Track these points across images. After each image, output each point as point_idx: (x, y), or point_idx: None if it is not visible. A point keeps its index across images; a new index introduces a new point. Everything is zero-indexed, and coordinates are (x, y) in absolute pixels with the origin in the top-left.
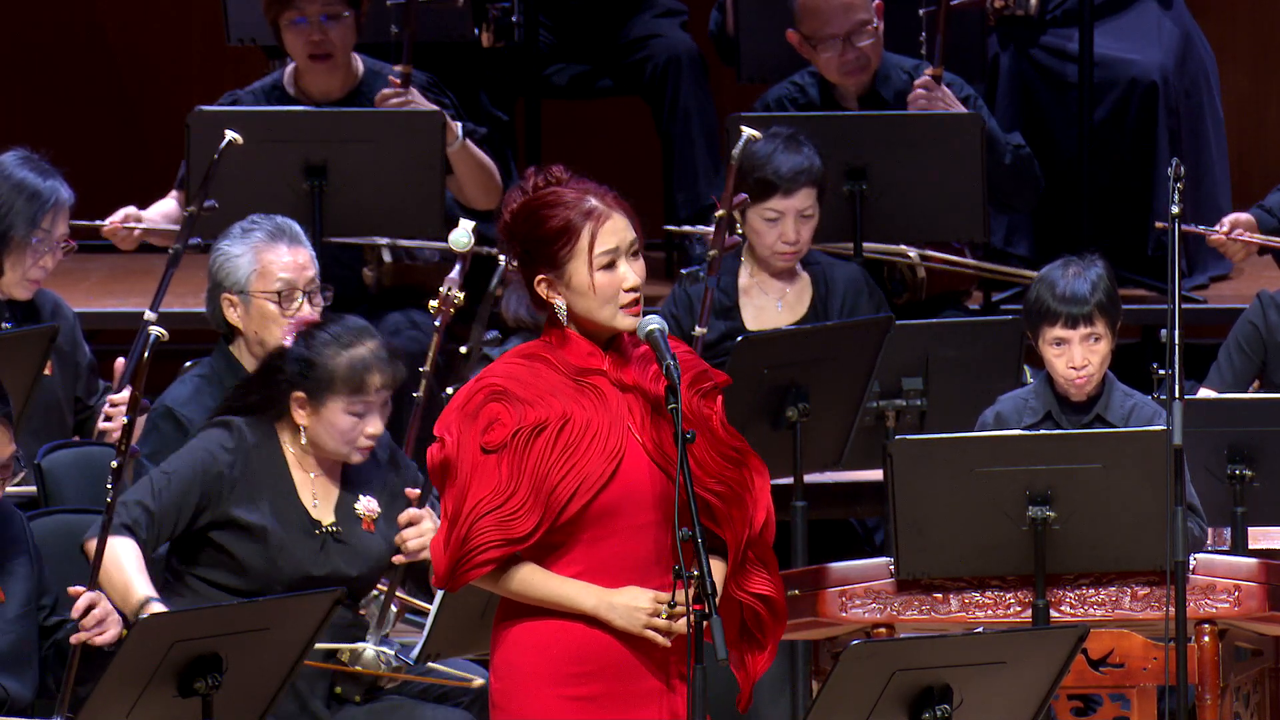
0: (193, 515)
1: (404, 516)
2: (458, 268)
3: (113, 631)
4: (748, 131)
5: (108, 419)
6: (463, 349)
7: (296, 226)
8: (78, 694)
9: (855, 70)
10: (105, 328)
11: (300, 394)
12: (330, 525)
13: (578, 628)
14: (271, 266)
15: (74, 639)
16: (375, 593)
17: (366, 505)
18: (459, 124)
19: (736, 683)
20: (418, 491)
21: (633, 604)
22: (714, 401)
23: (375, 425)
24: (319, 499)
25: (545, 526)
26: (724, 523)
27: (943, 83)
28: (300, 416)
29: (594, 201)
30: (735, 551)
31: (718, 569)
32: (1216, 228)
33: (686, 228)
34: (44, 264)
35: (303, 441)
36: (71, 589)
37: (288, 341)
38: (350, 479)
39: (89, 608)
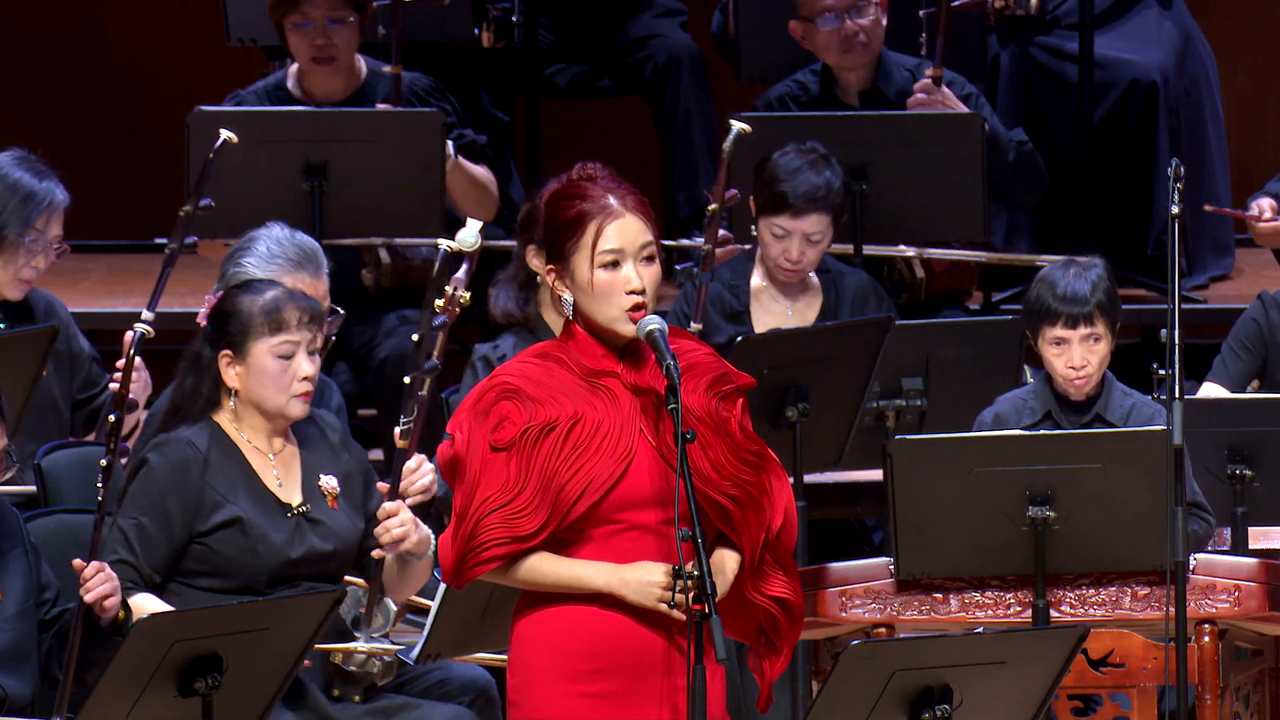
0: (173, 544)
1: (382, 510)
2: (464, 267)
3: (113, 601)
4: (737, 125)
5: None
6: (414, 336)
7: (319, 252)
8: (79, 687)
9: (855, 47)
10: (104, 328)
11: (226, 352)
12: (300, 506)
13: (591, 622)
14: None
15: (87, 598)
16: (357, 591)
17: (329, 483)
18: (450, 143)
19: (741, 684)
20: (387, 486)
21: (646, 578)
22: (734, 404)
23: (305, 368)
24: (283, 480)
25: (553, 526)
26: (739, 526)
27: (943, 83)
28: (231, 378)
29: (611, 200)
30: (751, 555)
31: (732, 560)
32: (1252, 210)
33: (684, 240)
34: (36, 264)
35: (238, 409)
36: (76, 562)
37: (201, 320)
38: (308, 458)
39: (95, 573)
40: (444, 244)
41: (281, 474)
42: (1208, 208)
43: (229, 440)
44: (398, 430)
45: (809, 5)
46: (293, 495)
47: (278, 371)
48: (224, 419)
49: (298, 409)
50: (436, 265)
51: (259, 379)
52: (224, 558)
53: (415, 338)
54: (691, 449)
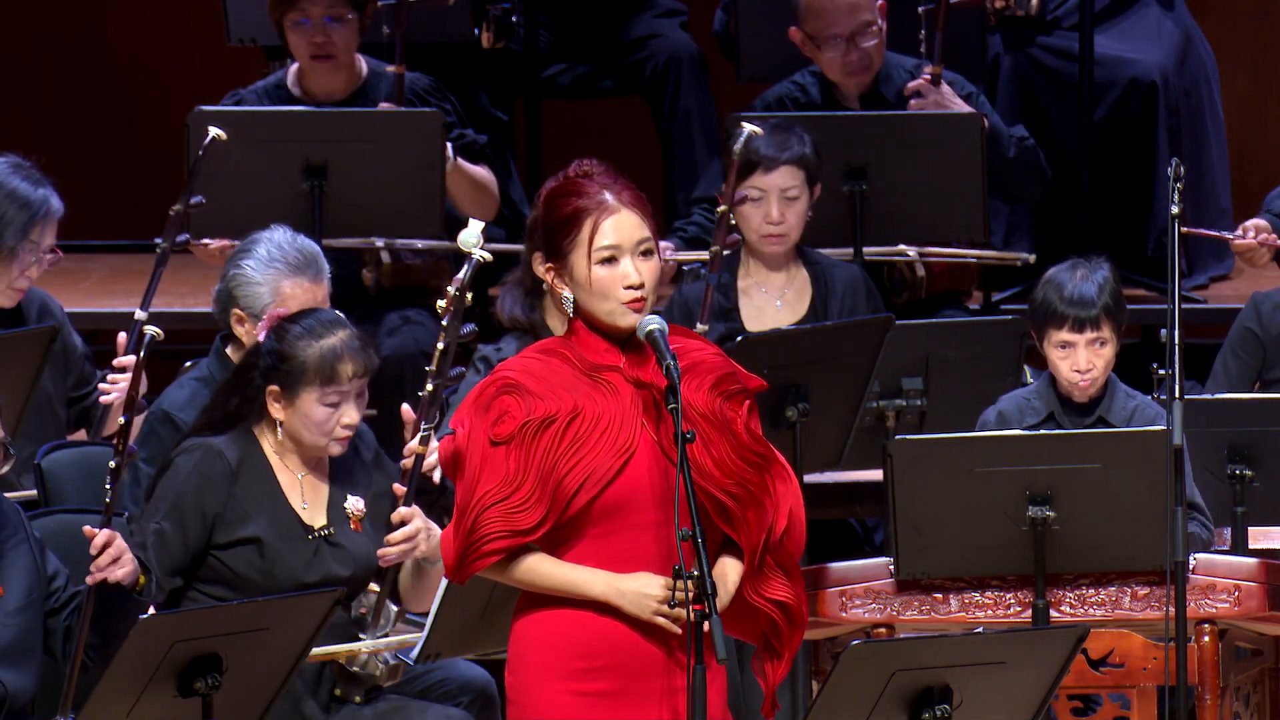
0: (190, 550)
1: (396, 516)
2: (465, 267)
3: (127, 569)
4: (749, 127)
5: (110, 382)
6: (439, 344)
7: (320, 256)
8: (101, 662)
9: (858, 70)
10: (103, 328)
11: (275, 388)
12: (322, 529)
13: (588, 621)
14: (290, 302)
15: (89, 580)
16: (369, 593)
17: (354, 505)
18: (450, 144)
19: (741, 683)
20: (404, 489)
21: (643, 590)
22: (739, 404)
23: (351, 415)
24: (308, 501)
25: (552, 519)
26: (738, 524)
27: (942, 81)
28: (276, 411)
29: (606, 196)
30: (751, 555)
31: (734, 571)
32: (1238, 233)
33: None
34: (29, 273)
35: (280, 437)
36: (87, 529)
37: (261, 337)
38: (338, 478)
39: (105, 544)
40: (477, 254)
41: (308, 494)
42: (1183, 230)
43: (261, 454)
44: (416, 440)
45: (814, 27)
46: (316, 517)
47: (323, 419)
48: (261, 431)
49: (335, 449)
50: (468, 273)
51: (303, 421)
52: (238, 575)
53: (440, 346)
54: (693, 446)
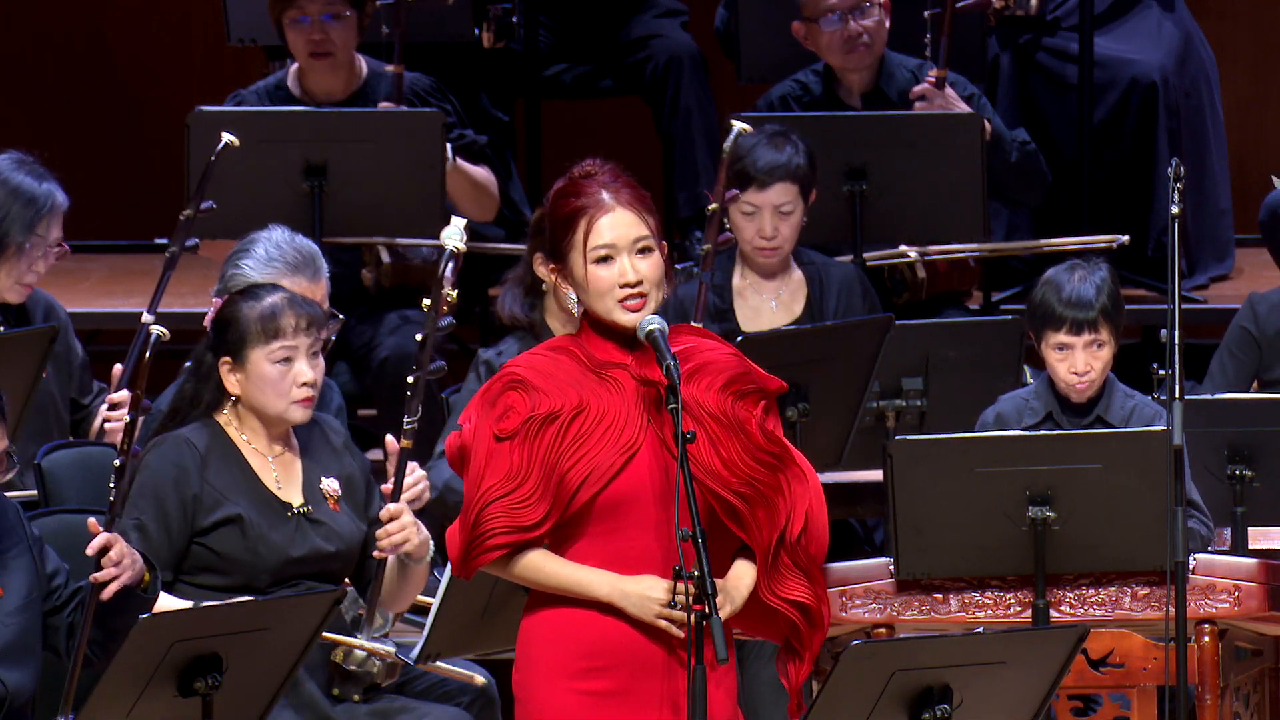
0: (174, 542)
1: (384, 513)
2: (450, 265)
3: (130, 574)
4: (738, 125)
5: (106, 420)
6: (418, 336)
7: (318, 255)
8: (105, 658)
9: (858, 48)
10: (104, 328)
11: (226, 359)
12: (300, 506)
13: (593, 621)
14: None
15: (94, 577)
16: (356, 591)
17: (330, 486)
18: (449, 144)
19: (742, 681)
20: (389, 486)
21: (646, 593)
22: (753, 404)
23: (306, 373)
24: (283, 481)
25: (555, 516)
26: (748, 525)
27: (947, 85)
28: (232, 384)
29: (603, 195)
30: (763, 555)
31: (749, 572)
32: None
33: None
34: (37, 268)
35: (241, 413)
36: (91, 522)
37: (207, 324)
38: (309, 460)
39: (104, 547)
40: (449, 244)
41: (281, 475)
42: None
43: (228, 440)
44: (402, 432)
45: (812, 6)
46: (293, 496)
47: (276, 378)
48: (224, 419)
49: (298, 414)
50: (442, 265)
51: (258, 385)
52: (224, 557)
53: (419, 338)
54: (702, 445)
